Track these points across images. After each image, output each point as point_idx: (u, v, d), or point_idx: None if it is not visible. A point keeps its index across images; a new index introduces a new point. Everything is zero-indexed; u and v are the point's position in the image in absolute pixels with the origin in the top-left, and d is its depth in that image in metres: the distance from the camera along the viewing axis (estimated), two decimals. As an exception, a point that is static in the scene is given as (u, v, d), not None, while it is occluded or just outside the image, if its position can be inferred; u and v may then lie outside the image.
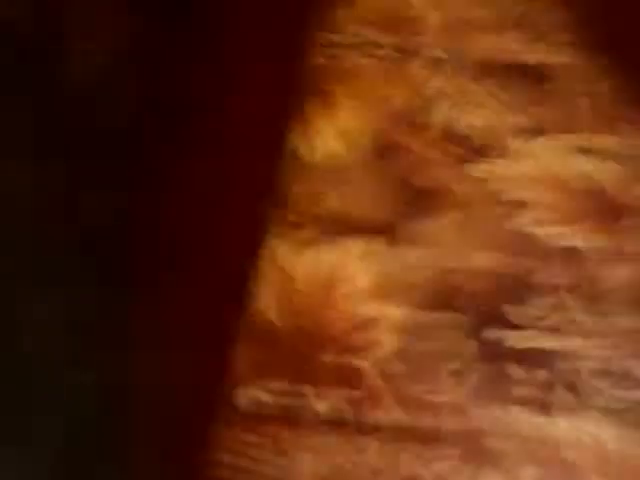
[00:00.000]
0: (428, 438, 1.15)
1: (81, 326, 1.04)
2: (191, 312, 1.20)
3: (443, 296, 1.24)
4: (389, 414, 1.17)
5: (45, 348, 0.98)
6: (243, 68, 1.36)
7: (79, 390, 1.03)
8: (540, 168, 1.31)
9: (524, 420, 1.16)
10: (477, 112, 1.35)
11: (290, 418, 1.18)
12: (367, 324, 1.23)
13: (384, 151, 1.34)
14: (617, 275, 1.24)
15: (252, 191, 1.29)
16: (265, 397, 1.19)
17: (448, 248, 1.27)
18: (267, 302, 1.25)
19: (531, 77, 1.38)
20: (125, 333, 1.08)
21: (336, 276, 1.26)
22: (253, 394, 1.19)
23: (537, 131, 1.34)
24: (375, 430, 1.16)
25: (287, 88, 1.37)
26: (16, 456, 0.95)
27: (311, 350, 1.22)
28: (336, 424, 1.17)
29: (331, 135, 1.36)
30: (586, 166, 1.31)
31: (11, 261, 0.96)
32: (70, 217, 0.99)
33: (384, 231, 1.28)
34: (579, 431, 1.15)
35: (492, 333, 1.21)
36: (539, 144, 1.33)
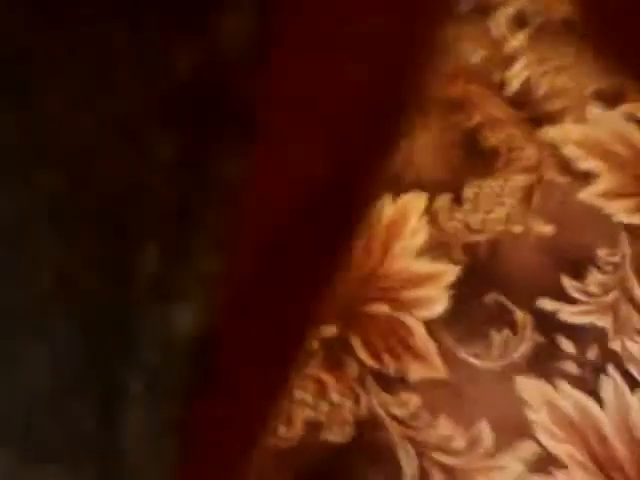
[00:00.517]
0: (468, 401, 1.14)
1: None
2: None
3: (501, 261, 1.21)
4: (433, 373, 1.16)
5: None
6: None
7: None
8: (617, 137, 1.27)
9: (570, 395, 1.14)
10: (556, 74, 1.31)
11: (335, 366, 1.18)
12: (421, 281, 1.21)
13: (455, 107, 1.30)
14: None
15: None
16: (312, 343, 1.20)
17: (511, 212, 1.24)
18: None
19: (617, 42, 1.33)
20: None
21: (396, 230, 1.24)
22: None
23: (618, 98, 1.29)
24: (417, 386, 1.15)
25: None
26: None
27: (362, 301, 1.21)
28: (380, 376, 1.17)
29: (403, 85, 1.33)
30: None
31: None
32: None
33: (448, 189, 1.25)
34: (626, 412, 1.13)
35: (547, 304, 1.18)
36: (619, 112, 1.29)
